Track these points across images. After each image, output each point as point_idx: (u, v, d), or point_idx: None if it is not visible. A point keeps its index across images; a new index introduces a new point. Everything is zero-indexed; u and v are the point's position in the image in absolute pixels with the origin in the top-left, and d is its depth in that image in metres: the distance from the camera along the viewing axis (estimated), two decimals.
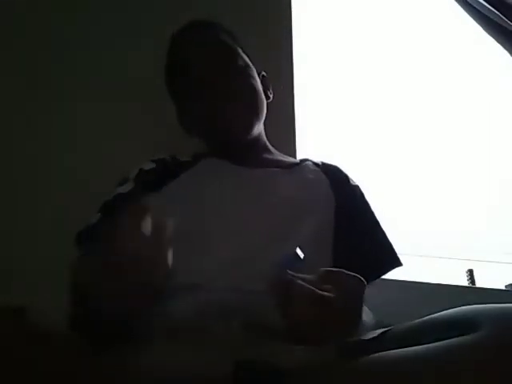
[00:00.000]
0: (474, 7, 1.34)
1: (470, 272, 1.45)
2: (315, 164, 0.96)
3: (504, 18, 1.29)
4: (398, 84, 1.59)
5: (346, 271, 0.60)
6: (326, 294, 0.56)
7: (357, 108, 1.60)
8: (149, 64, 1.08)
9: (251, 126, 0.89)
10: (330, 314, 0.56)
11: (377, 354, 0.48)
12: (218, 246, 0.75)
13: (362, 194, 0.93)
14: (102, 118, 1.13)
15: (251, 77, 0.92)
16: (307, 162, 0.96)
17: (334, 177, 0.92)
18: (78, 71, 1.15)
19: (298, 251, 0.59)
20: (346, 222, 0.85)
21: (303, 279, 0.57)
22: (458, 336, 0.46)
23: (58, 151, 1.10)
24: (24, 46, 1.15)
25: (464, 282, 1.44)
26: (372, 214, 0.91)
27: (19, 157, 1.09)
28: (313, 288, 0.56)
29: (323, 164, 0.96)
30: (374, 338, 0.54)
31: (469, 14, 1.38)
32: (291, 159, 0.99)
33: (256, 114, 0.91)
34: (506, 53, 1.38)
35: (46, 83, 1.13)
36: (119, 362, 0.52)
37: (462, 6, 1.38)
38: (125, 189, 0.85)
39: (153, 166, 0.89)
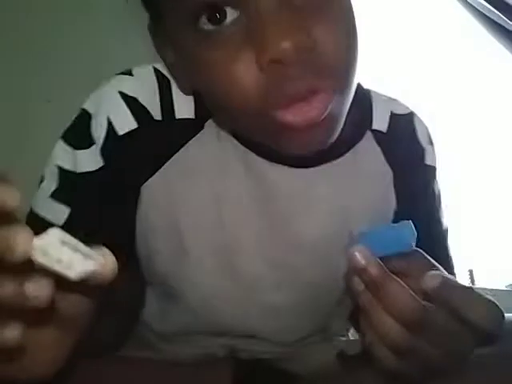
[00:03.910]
0: (475, 7, 1.34)
1: (470, 272, 1.45)
2: (378, 141, 0.62)
3: (504, 17, 1.29)
4: (398, 83, 1.59)
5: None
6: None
7: None
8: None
9: None
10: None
11: None
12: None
13: (433, 191, 0.66)
14: None
15: None
16: (365, 142, 0.61)
17: (401, 165, 0.62)
18: (77, 69, 1.15)
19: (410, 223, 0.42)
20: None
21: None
22: None
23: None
24: (25, 45, 1.15)
25: (464, 282, 1.44)
26: (439, 221, 0.66)
27: (18, 156, 1.08)
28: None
29: (390, 136, 0.62)
30: None
31: (469, 13, 1.38)
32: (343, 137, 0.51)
33: None
34: (506, 53, 1.39)
35: (46, 79, 1.13)
36: (118, 361, 0.52)
37: (462, 5, 1.38)
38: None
39: None
